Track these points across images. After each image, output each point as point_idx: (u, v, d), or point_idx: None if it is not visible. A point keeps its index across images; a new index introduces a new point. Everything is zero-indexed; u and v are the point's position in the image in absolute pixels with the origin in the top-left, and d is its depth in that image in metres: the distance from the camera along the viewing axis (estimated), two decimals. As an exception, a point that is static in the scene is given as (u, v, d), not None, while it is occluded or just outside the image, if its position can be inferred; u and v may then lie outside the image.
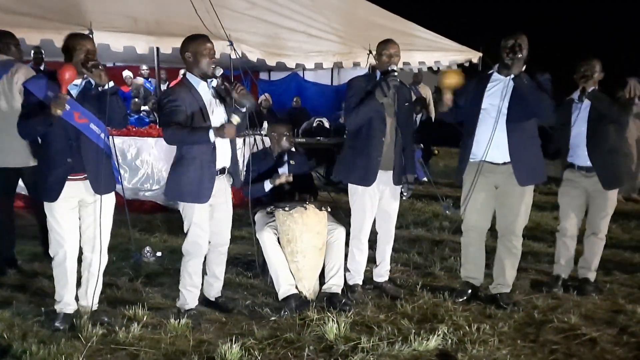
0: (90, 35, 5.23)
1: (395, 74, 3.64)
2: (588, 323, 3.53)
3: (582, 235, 4.17)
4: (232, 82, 3.34)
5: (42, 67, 6.27)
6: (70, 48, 3.16)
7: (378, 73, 3.81)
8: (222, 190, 3.54)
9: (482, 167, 3.69)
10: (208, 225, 3.49)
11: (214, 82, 3.39)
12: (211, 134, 3.23)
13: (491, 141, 3.61)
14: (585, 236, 4.11)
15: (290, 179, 4.09)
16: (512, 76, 3.55)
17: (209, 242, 3.61)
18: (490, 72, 3.73)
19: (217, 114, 3.40)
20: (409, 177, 3.91)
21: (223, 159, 3.46)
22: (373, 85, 3.71)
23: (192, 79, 3.39)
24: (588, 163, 3.96)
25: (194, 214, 3.42)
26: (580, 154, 3.99)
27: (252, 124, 6.93)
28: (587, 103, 3.93)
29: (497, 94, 3.62)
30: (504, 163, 3.64)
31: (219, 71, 3.33)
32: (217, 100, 3.43)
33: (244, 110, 3.34)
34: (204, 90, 3.39)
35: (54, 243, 3.29)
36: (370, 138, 3.74)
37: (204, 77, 3.37)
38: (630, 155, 6.85)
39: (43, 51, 6.21)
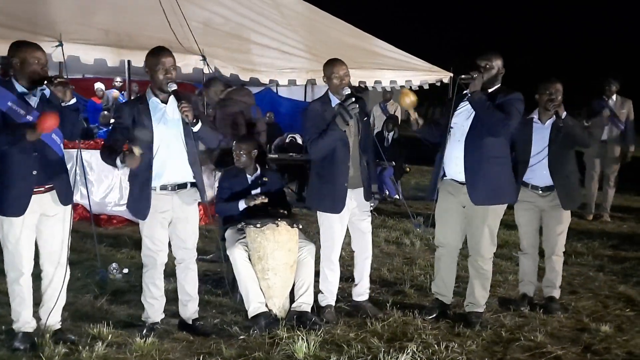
0: (60, 48, 5.17)
1: (353, 99, 3.58)
2: (553, 341, 3.59)
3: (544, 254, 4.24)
4: (180, 100, 3.30)
5: None
6: (22, 58, 3.08)
7: (332, 97, 3.75)
8: (181, 205, 3.48)
9: (447, 184, 3.75)
10: (162, 239, 3.48)
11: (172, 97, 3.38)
12: (118, 161, 3.23)
13: (448, 157, 3.68)
14: (546, 257, 4.16)
15: (266, 200, 4.06)
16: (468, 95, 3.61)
17: (175, 258, 3.61)
18: (465, 91, 3.78)
19: (163, 129, 3.36)
20: (372, 187, 3.88)
21: (179, 175, 3.44)
22: (333, 114, 3.64)
23: (148, 93, 3.43)
24: (544, 183, 3.99)
25: (143, 228, 3.46)
26: (537, 174, 4.01)
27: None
28: (548, 124, 3.98)
29: (464, 113, 3.68)
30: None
31: (172, 86, 3.33)
32: (175, 118, 3.39)
33: (195, 129, 3.35)
34: (155, 106, 3.39)
35: (10, 261, 3.17)
36: (335, 164, 3.70)
37: (160, 91, 3.38)
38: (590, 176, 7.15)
39: None
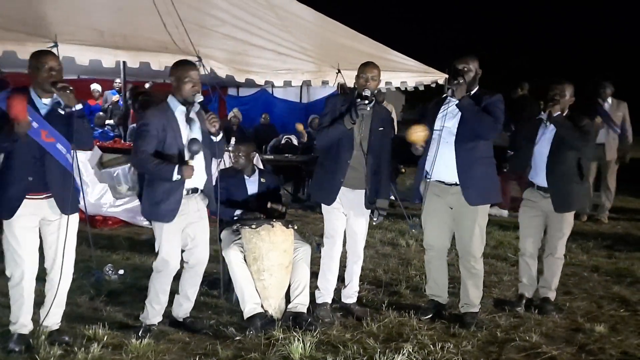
0: (55, 49, 5.16)
1: (367, 102, 3.62)
2: (548, 341, 3.60)
3: (543, 254, 4.26)
4: (207, 111, 3.42)
5: None
6: (34, 66, 3.13)
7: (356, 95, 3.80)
8: (195, 210, 3.53)
9: (433, 186, 3.77)
10: (179, 244, 3.49)
11: (197, 108, 3.43)
12: (175, 173, 3.25)
13: (435, 160, 3.69)
14: (544, 256, 4.19)
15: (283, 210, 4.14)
16: (457, 100, 3.63)
17: (187, 262, 3.61)
18: (445, 95, 3.80)
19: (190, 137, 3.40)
20: (379, 202, 3.84)
21: (194, 180, 3.46)
22: (346, 109, 3.70)
23: (172, 102, 3.45)
24: (546, 184, 4.02)
25: (162, 233, 3.44)
26: (539, 174, 4.04)
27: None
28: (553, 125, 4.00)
29: (449, 115, 3.71)
30: (455, 184, 3.70)
31: (199, 98, 3.39)
32: (196, 126, 3.46)
33: (216, 139, 3.43)
34: (181, 114, 3.43)
35: (12, 263, 3.19)
36: (337, 159, 3.75)
37: (185, 102, 3.42)
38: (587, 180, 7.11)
39: None
